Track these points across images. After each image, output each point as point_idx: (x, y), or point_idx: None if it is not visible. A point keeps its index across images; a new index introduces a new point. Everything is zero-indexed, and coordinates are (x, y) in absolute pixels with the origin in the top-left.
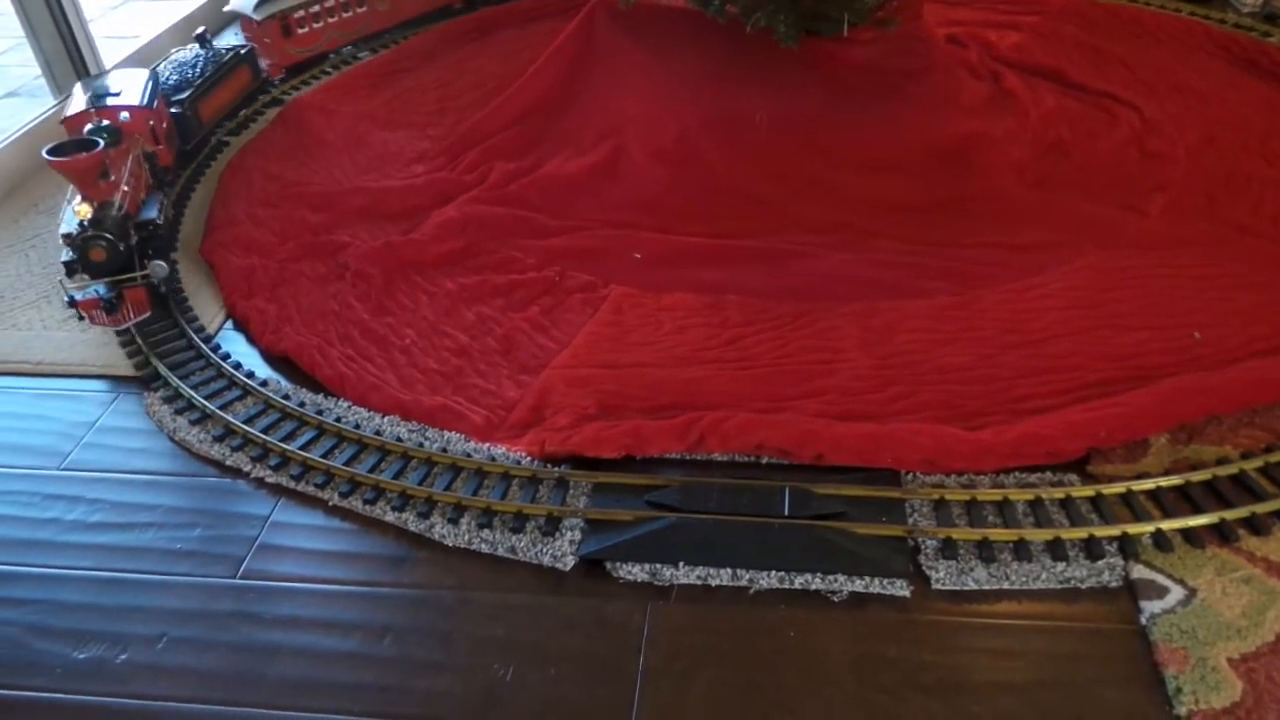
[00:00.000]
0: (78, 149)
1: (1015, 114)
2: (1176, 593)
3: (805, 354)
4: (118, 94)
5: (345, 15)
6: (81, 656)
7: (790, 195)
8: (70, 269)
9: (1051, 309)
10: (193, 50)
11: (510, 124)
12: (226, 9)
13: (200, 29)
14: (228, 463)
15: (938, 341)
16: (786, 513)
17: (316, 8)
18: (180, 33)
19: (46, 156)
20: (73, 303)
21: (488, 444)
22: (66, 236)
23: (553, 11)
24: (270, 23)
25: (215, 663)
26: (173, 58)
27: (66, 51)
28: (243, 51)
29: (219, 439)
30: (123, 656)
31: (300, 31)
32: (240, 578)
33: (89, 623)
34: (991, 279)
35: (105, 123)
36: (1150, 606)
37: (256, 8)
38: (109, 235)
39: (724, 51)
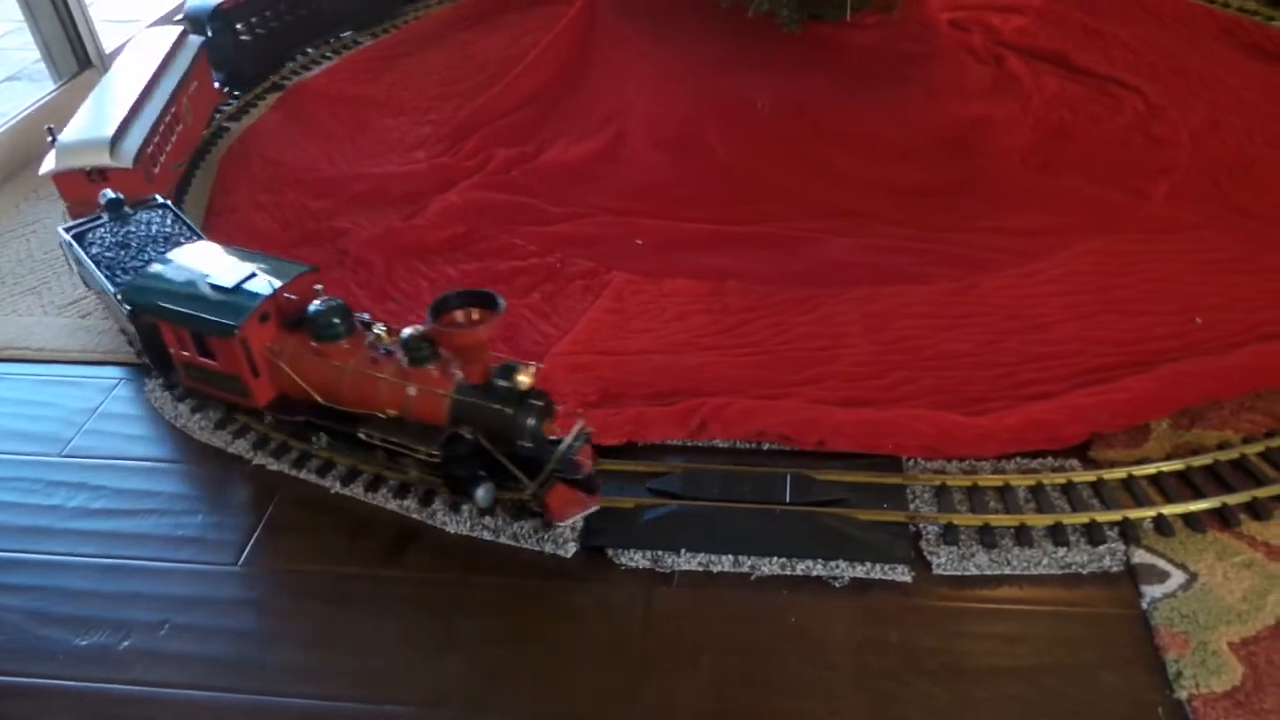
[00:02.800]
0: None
1: (1018, 98)
2: (1177, 577)
3: (807, 340)
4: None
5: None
6: (83, 643)
7: (792, 181)
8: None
9: (1054, 294)
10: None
11: (511, 110)
12: (42, 173)
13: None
14: (229, 450)
15: (940, 327)
16: (788, 499)
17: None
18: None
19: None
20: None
21: None
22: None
23: None
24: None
25: (217, 649)
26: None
27: (65, 35)
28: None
29: (220, 425)
30: (125, 643)
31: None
32: (242, 565)
33: (91, 609)
34: (994, 264)
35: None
36: (1151, 591)
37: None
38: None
39: (726, 37)
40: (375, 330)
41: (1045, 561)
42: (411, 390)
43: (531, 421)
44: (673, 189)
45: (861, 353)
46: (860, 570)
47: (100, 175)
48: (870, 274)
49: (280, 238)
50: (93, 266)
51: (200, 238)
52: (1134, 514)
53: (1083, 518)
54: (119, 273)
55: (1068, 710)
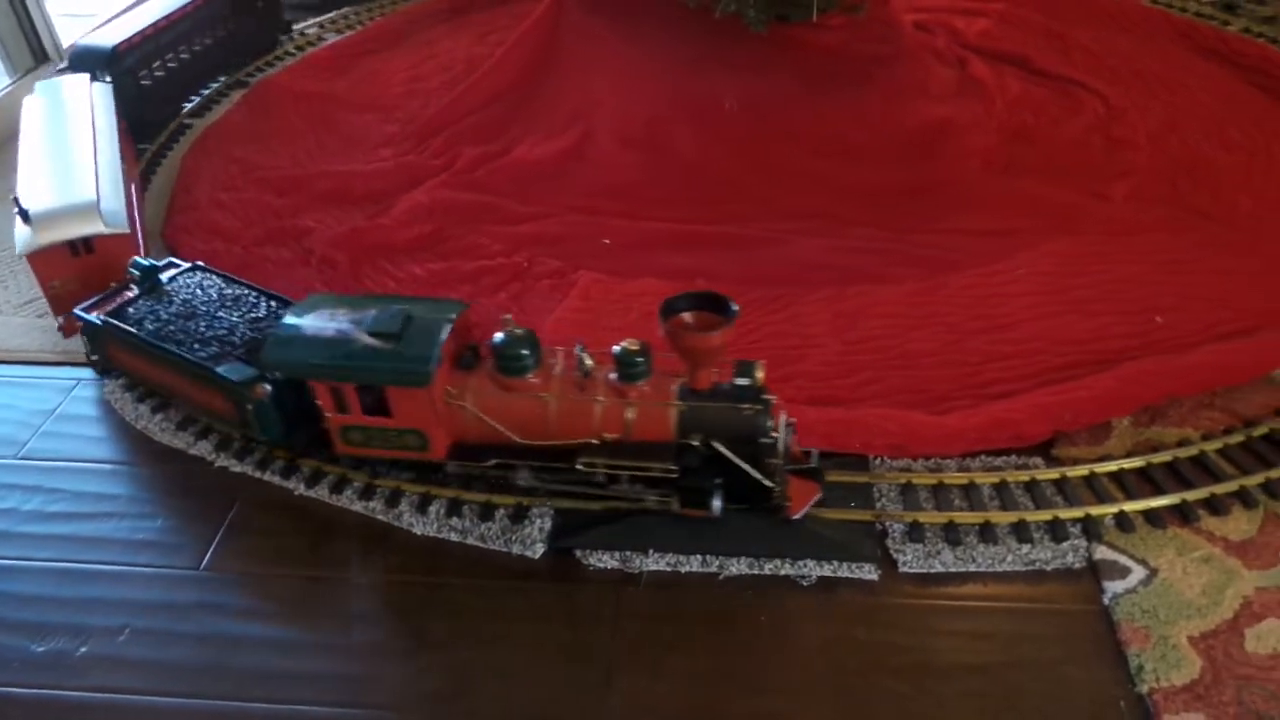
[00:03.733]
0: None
1: (982, 101)
2: (1138, 573)
3: (775, 339)
4: None
5: None
6: (40, 649)
7: (759, 181)
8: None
9: (1017, 294)
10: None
11: (478, 108)
12: (21, 253)
13: None
14: (190, 451)
15: (906, 327)
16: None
17: None
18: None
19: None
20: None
21: None
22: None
23: None
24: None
25: (179, 654)
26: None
27: (20, 29)
28: None
29: (181, 427)
30: (83, 649)
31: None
32: (204, 568)
33: (48, 615)
34: (958, 265)
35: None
36: (1113, 586)
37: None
38: None
39: (693, 36)
40: (577, 353)
41: (1010, 558)
42: (630, 408)
43: (771, 419)
44: (640, 188)
45: (829, 352)
46: (828, 569)
47: (86, 246)
48: (837, 274)
49: (243, 236)
50: (161, 346)
51: (266, 293)
52: (1096, 511)
53: (1046, 515)
54: (202, 346)
55: (1032, 706)
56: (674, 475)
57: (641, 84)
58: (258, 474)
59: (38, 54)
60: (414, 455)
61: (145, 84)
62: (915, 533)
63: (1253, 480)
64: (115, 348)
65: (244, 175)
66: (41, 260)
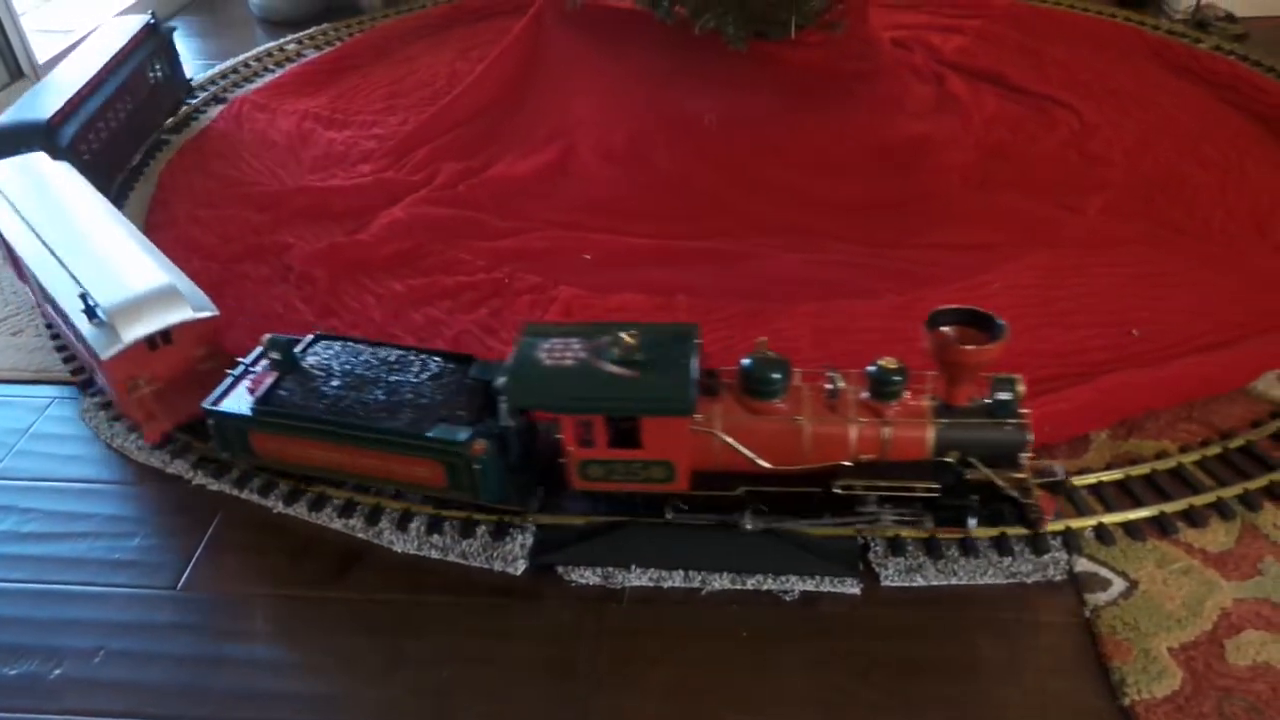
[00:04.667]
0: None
1: (959, 117)
2: (1119, 585)
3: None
4: None
5: None
6: (13, 673)
7: (740, 196)
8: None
9: (996, 308)
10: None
11: (459, 124)
12: (106, 357)
13: None
14: (167, 470)
15: (886, 340)
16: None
17: None
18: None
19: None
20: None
21: None
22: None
23: (502, 10)
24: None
25: (156, 675)
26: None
27: None
28: None
29: (157, 446)
30: (57, 671)
31: None
32: (181, 588)
33: (21, 637)
34: (938, 279)
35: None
36: (1094, 599)
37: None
38: None
39: (673, 53)
40: (829, 373)
41: (991, 571)
42: (887, 428)
43: (1029, 435)
44: (621, 204)
45: (810, 367)
46: (810, 584)
47: (164, 337)
48: (818, 289)
49: (220, 252)
50: (350, 425)
51: (426, 351)
52: (1076, 523)
53: (1024, 529)
54: (391, 415)
55: (1014, 718)
56: (934, 494)
57: (622, 100)
58: (235, 492)
59: (13, 70)
60: (657, 488)
61: (86, 158)
62: (897, 546)
63: (1230, 492)
64: (267, 438)
65: (222, 191)
66: (120, 361)
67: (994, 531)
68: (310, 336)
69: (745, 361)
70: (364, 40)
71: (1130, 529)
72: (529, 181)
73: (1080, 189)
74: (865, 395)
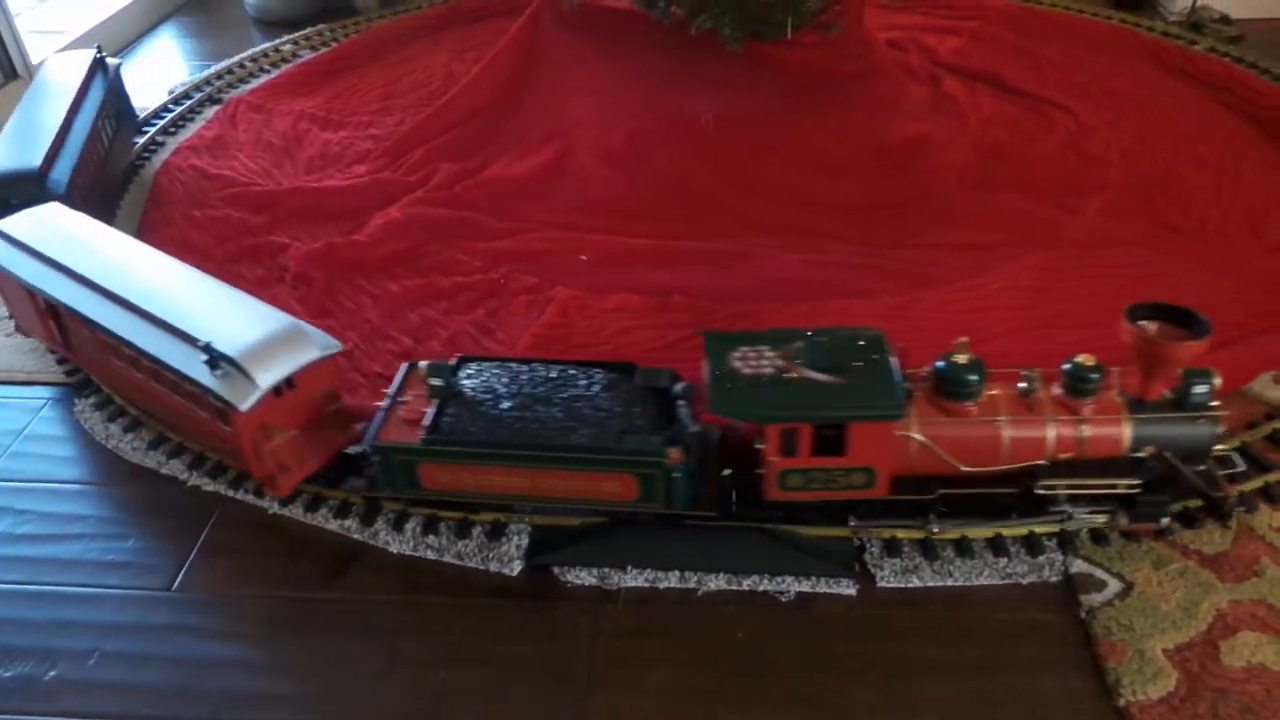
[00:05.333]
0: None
1: (956, 118)
2: (1114, 586)
3: None
4: None
5: None
6: (7, 674)
7: (737, 196)
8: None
9: (993, 308)
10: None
11: (455, 124)
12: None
13: None
14: (162, 471)
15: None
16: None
17: None
18: (110, 28)
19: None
20: None
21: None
22: None
23: (499, 11)
24: None
25: (151, 677)
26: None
27: None
28: None
29: (153, 446)
30: (52, 673)
31: None
32: (176, 589)
33: (16, 638)
34: (935, 279)
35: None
36: (1090, 600)
37: None
38: None
39: (669, 54)
40: (1023, 372)
41: (986, 572)
42: (1085, 426)
43: (1221, 429)
44: (617, 204)
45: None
46: (806, 584)
47: (288, 382)
48: (815, 289)
49: (215, 253)
50: (539, 447)
51: (577, 364)
52: (1071, 524)
53: (1021, 529)
54: (576, 432)
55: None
56: (1134, 492)
57: (618, 100)
58: (231, 493)
59: (7, 71)
60: (857, 495)
61: (79, 202)
62: (893, 547)
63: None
64: (438, 469)
65: (217, 192)
66: (255, 411)
67: (989, 532)
68: (454, 360)
69: (940, 363)
70: (360, 41)
71: (1126, 530)
72: (526, 182)
73: (1077, 190)
74: (1058, 392)
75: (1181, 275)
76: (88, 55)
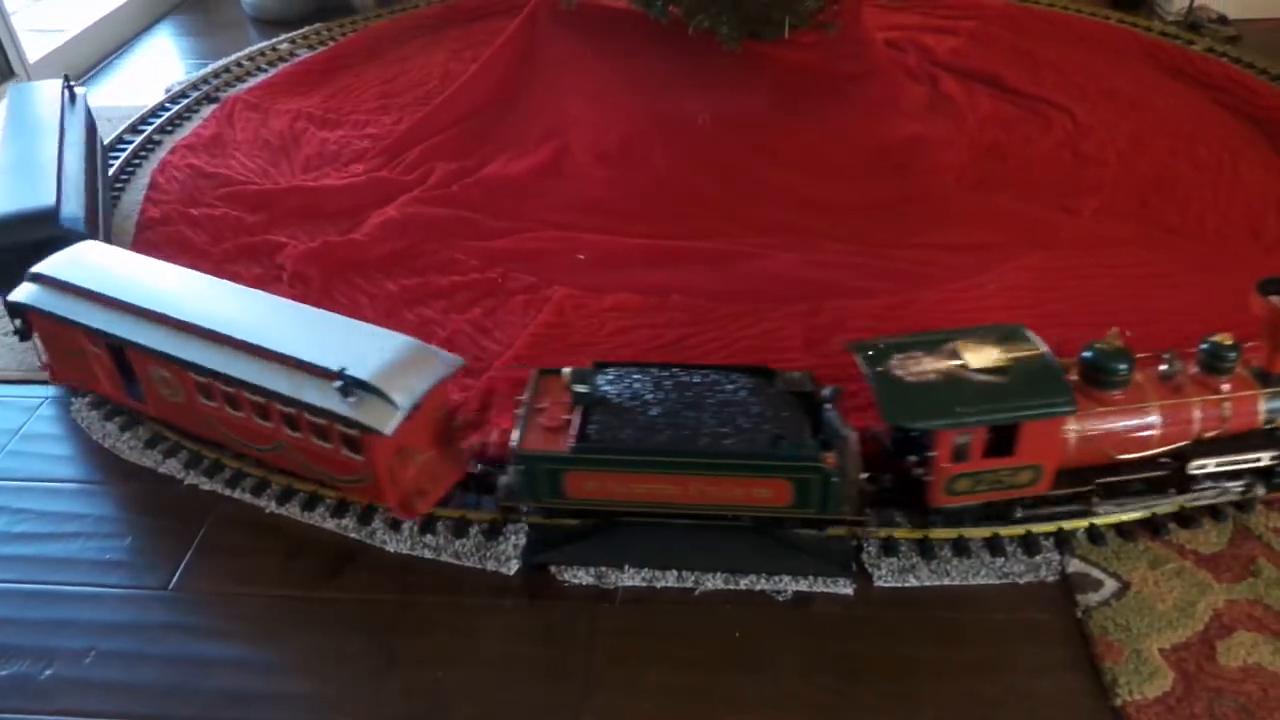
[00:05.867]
0: None
1: (953, 118)
2: (1111, 585)
3: (750, 354)
4: None
5: None
6: (4, 673)
7: (734, 196)
8: None
9: (990, 308)
10: None
11: (452, 124)
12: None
13: None
14: (159, 470)
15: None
16: (731, 514)
17: None
18: (107, 26)
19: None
20: None
21: None
22: None
23: (496, 10)
24: None
25: (148, 676)
26: None
27: None
28: None
29: (149, 445)
30: (48, 672)
31: None
32: (173, 589)
33: (12, 638)
34: (932, 279)
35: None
36: (1086, 599)
37: None
38: None
39: (667, 53)
40: (1164, 355)
41: (983, 572)
42: (1226, 403)
43: None
44: (615, 204)
45: (803, 366)
46: (803, 584)
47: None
48: (812, 289)
49: (212, 251)
50: (695, 453)
51: (712, 368)
52: (1068, 524)
53: (1018, 528)
54: (731, 438)
55: (1007, 719)
56: (1276, 462)
57: (616, 100)
58: (228, 492)
59: (3, 70)
60: (1021, 493)
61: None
62: (890, 547)
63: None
64: (586, 477)
65: (214, 190)
66: (393, 438)
67: (986, 532)
68: (591, 367)
69: (1087, 353)
70: (357, 40)
71: (1123, 530)
72: (523, 181)
73: (1075, 190)
74: (1195, 371)
75: (1179, 275)
76: (55, 85)
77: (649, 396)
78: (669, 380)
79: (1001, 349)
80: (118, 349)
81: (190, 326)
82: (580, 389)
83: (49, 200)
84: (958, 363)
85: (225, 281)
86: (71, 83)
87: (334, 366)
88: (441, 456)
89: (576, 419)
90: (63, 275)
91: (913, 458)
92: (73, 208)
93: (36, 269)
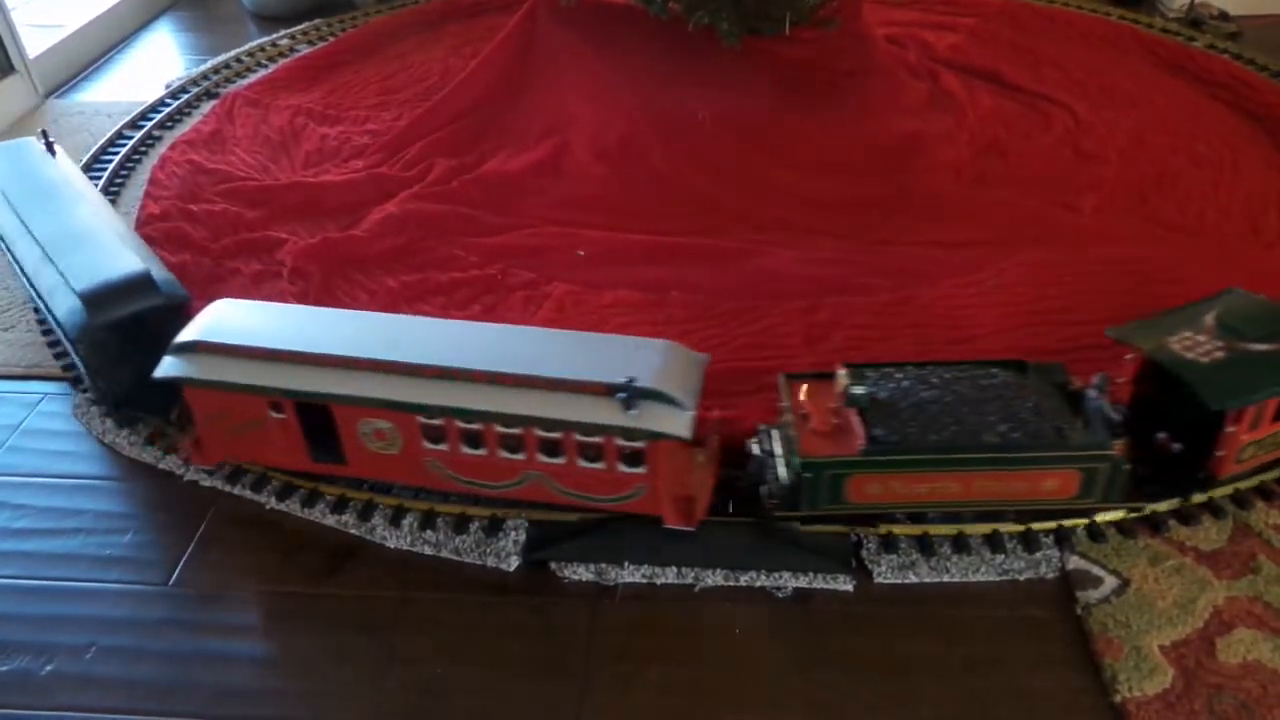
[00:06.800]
0: None
1: (953, 114)
2: (1110, 583)
3: (749, 351)
4: None
5: None
6: (4, 669)
7: (734, 193)
8: None
9: (989, 305)
10: None
11: (452, 120)
12: None
13: None
14: (159, 466)
15: (879, 338)
16: (730, 510)
17: None
18: (106, 21)
19: None
20: None
21: None
22: None
23: (496, 6)
24: None
25: (148, 671)
26: None
27: None
28: None
29: (149, 441)
30: (48, 667)
31: None
32: (173, 584)
33: (12, 633)
34: (931, 276)
35: None
36: (1086, 596)
37: None
38: None
39: (666, 49)
40: None
41: (983, 569)
42: None
43: None
44: (614, 201)
45: (803, 363)
46: (803, 581)
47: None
48: (811, 286)
49: (212, 248)
50: (991, 449)
51: (973, 364)
52: (1068, 521)
53: (1018, 525)
54: (1016, 430)
55: (1006, 716)
56: None
57: (615, 96)
58: (228, 488)
59: (3, 67)
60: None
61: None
62: (890, 544)
63: (1221, 491)
64: (870, 480)
65: (214, 186)
66: (685, 445)
67: (986, 529)
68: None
69: None
70: (357, 36)
71: (1122, 527)
72: (523, 178)
73: (1075, 186)
74: None
75: (1179, 272)
76: (33, 143)
77: (923, 395)
78: (934, 377)
79: (1262, 320)
80: (316, 409)
81: (413, 368)
82: (858, 391)
83: (135, 266)
84: (1232, 338)
85: (399, 316)
86: (48, 137)
87: (599, 379)
88: (693, 459)
89: (856, 421)
90: (223, 339)
91: (1160, 434)
92: (158, 269)
93: (184, 338)
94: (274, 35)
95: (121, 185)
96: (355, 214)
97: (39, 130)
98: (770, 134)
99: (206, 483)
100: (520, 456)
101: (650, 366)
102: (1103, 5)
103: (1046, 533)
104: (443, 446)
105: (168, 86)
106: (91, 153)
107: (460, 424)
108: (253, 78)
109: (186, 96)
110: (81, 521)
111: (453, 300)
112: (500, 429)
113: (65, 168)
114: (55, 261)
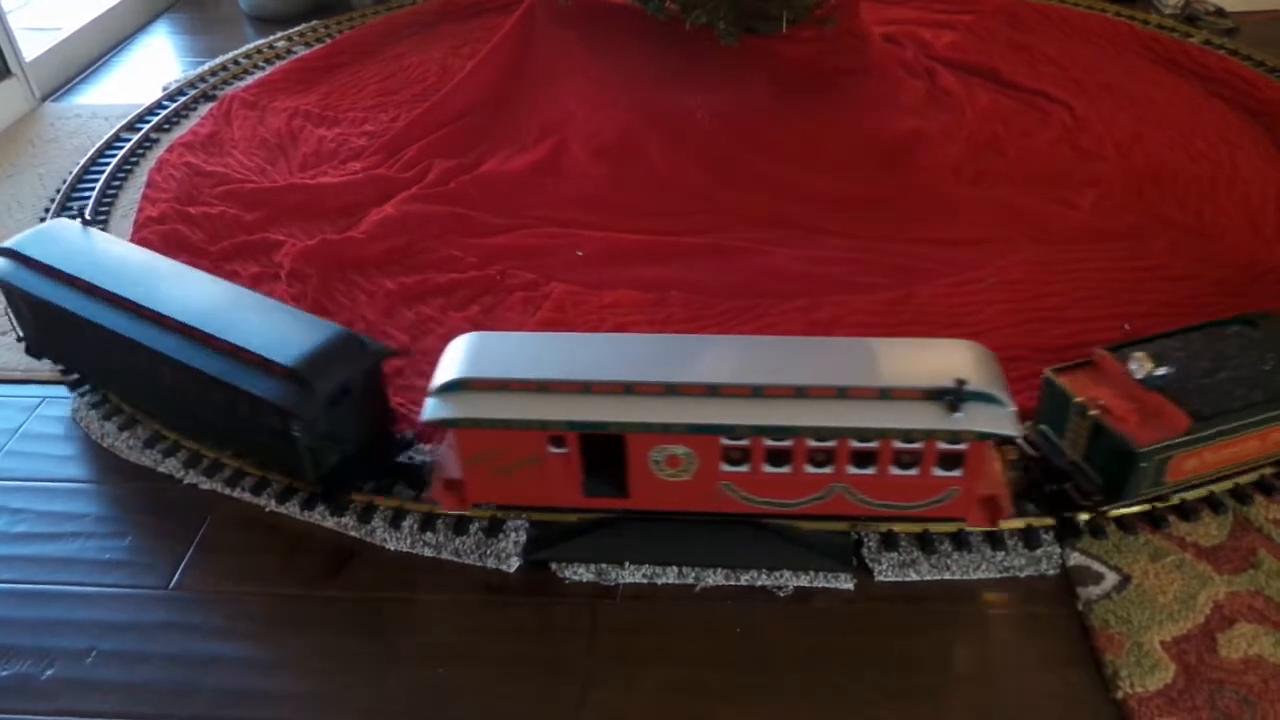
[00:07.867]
0: None
1: (951, 112)
2: (1111, 578)
3: None
4: None
5: None
6: (4, 674)
7: (732, 192)
8: None
9: (989, 302)
10: None
11: (450, 121)
12: None
13: None
14: (159, 469)
15: (879, 336)
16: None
17: None
18: (103, 24)
19: None
20: None
21: (430, 446)
22: None
23: (493, 7)
24: None
25: (148, 675)
26: None
27: None
28: None
29: (149, 444)
30: (49, 672)
31: None
32: (173, 588)
33: (12, 638)
34: (931, 274)
35: None
36: (1086, 592)
37: None
38: None
39: (664, 49)
40: None
41: (984, 566)
42: None
43: None
44: (613, 200)
45: None
46: (804, 579)
47: None
48: (811, 284)
49: (210, 250)
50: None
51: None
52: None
53: (1019, 522)
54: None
55: (1008, 712)
56: None
57: (613, 96)
58: (228, 491)
59: (0, 70)
60: None
61: None
62: (890, 542)
63: (1221, 486)
64: (1187, 458)
65: (212, 188)
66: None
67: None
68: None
69: None
70: (354, 37)
71: (1123, 523)
72: (521, 178)
73: (1072, 183)
74: None
75: (1175, 267)
76: (75, 226)
77: (1203, 364)
78: (1196, 345)
79: None
80: (604, 439)
81: (711, 388)
82: (1160, 372)
83: (334, 328)
84: None
85: (657, 335)
86: (88, 219)
87: (919, 385)
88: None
89: (1163, 402)
90: (492, 373)
91: None
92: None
93: (446, 377)
94: (271, 37)
95: (119, 188)
96: (353, 215)
97: (73, 214)
98: (768, 132)
99: (206, 486)
100: (828, 470)
101: (966, 367)
102: (1099, 2)
103: (1047, 529)
104: (743, 468)
105: (165, 89)
106: (89, 156)
107: (768, 442)
108: (250, 80)
109: (184, 99)
110: (81, 525)
111: (451, 301)
112: (812, 443)
113: (122, 244)
114: (226, 338)
